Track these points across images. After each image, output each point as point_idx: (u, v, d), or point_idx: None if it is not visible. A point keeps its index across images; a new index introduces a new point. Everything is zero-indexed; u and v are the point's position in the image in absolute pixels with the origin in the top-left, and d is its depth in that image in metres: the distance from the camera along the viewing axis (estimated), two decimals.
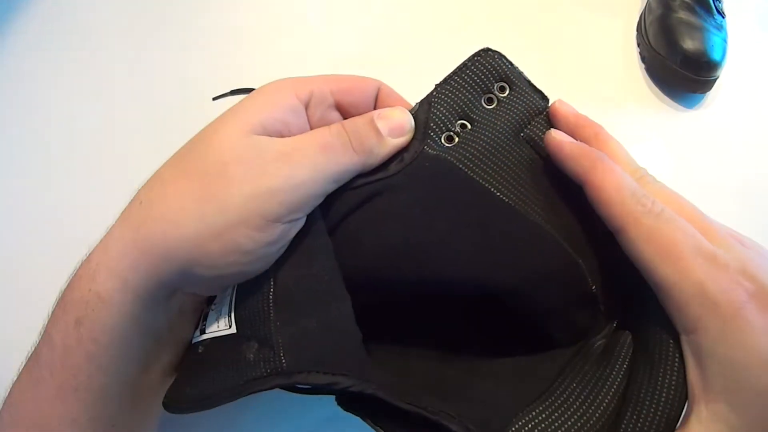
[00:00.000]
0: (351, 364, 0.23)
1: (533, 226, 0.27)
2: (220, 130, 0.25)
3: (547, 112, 0.29)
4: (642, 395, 0.22)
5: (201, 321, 0.26)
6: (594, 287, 0.26)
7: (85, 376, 0.23)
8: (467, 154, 0.27)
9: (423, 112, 0.28)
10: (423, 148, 0.27)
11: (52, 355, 0.23)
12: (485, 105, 0.28)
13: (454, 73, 0.28)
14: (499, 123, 0.28)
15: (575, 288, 0.26)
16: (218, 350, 0.24)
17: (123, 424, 0.25)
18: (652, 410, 0.22)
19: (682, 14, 0.55)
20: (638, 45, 0.59)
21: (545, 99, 0.29)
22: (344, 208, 0.26)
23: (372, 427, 0.24)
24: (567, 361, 0.26)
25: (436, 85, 0.28)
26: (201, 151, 0.24)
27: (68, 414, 0.23)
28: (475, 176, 0.27)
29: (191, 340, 0.26)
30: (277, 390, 0.23)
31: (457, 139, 0.28)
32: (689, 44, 0.53)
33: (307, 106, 0.26)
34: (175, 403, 0.23)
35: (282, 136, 0.25)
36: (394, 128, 0.27)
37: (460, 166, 0.27)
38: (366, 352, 0.25)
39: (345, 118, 0.27)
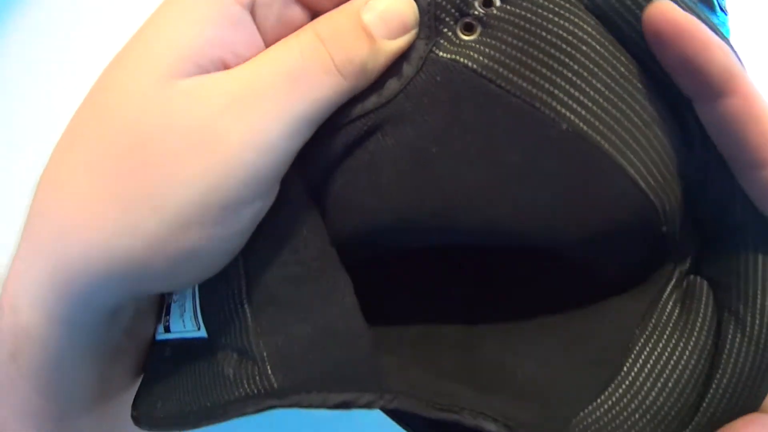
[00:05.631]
0: (363, 373, 0.18)
1: (601, 160, 0.18)
2: (127, 82, 0.17)
3: None
4: (735, 355, 0.19)
5: (164, 314, 0.21)
6: (665, 227, 0.20)
7: (38, 406, 0.19)
8: (495, 53, 0.18)
9: None
10: (431, 50, 0.18)
11: None
12: None
13: None
14: None
15: (643, 232, 0.20)
16: (190, 356, 0.19)
17: None
18: (747, 369, 0.18)
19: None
20: None
21: None
22: (327, 159, 0.18)
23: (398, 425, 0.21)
24: (635, 322, 0.21)
25: None
26: (105, 119, 0.17)
27: None
28: (509, 88, 0.18)
29: (154, 336, 0.22)
30: None
31: (479, 28, 0.18)
32: None
33: (253, 9, 0.17)
34: (148, 419, 0.19)
35: (227, 67, 0.17)
36: (390, 23, 0.17)
37: (485, 73, 0.18)
38: (376, 348, 0.20)
39: (313, 17, 0.18)
